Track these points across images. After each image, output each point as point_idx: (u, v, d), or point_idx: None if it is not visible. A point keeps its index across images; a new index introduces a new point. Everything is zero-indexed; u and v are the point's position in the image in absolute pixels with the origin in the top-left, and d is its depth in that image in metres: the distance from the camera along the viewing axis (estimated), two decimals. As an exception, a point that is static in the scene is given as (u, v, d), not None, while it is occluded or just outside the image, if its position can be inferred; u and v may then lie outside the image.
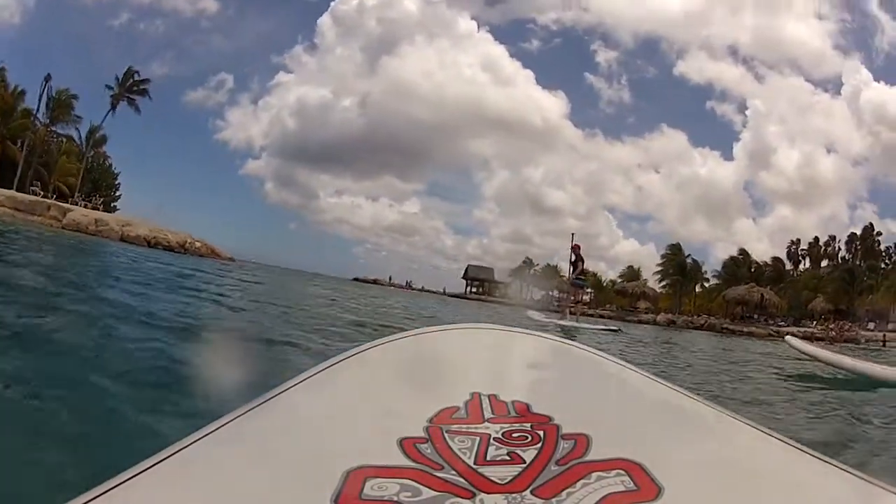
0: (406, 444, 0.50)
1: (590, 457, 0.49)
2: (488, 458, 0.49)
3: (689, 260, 42.93)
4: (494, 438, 0.52)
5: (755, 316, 37.61)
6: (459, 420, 0.57)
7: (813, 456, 0.53)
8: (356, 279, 43.52)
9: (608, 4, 52.49)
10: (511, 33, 61.59)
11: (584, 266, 12.89)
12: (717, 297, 40.34)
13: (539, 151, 57.08)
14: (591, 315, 31.11)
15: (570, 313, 11.74)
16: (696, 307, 41.47)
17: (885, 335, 31.48)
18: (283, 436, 0.58)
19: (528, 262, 48.96)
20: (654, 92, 53.28)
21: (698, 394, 0.69)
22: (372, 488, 0.44)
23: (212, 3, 45.74)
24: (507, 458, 0.49)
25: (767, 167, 50.12)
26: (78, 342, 2.42)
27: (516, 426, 0.55)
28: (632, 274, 45.57)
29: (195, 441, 0.54)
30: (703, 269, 43.24)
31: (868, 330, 34.86)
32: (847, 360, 5.18)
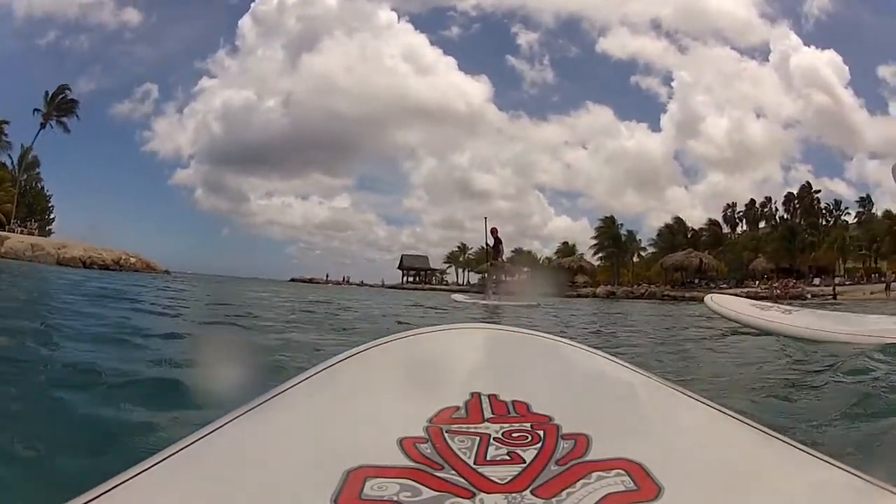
0: (406, 444, 0.50)
1: (590, 457, 0.49)
2: (488, 458, 0.49)
3: (623, 231, 43.30)
4: (494, 438, 0.52)
5: (696, 281, 37.81)
6: (459, 420, 0.57)
7: (813, 456, 0.53)
8: (293, 279, 43.10)
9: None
10: (431, 22, 61.36)
11: (503, 247, 13.35)
12: (655, 266, 40.69)
13: (464, 137, 57.67)
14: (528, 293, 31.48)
15: (493, 293, 11.97)
16: (634, 277, 41.64)
17: (834, 288, 32.13)
18: (283, 436, 0.58)
19: (462, 248, 49.19)
20: (578, 70, 54.39)
21: (698, 394, 0.69)
22: (372, 488, 0.44)
23: (135, 15, 45.40)
24: (507, 457, 0.49)
25: (696, 136, 50.81)
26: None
27: (516, 426, 0.55)
28: (567, 250, 45.94)
29: (195, 441, 0.54)
30: (639, 238, 43.48)
31: (814, 285, 35.45)
32: (775, 323, 3.95)
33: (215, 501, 0.46)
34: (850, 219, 41.05)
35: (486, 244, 12.88)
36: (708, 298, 4.91)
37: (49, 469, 1.13)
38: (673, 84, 46.71)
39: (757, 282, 37.99)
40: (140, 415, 1.56)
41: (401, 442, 0.51)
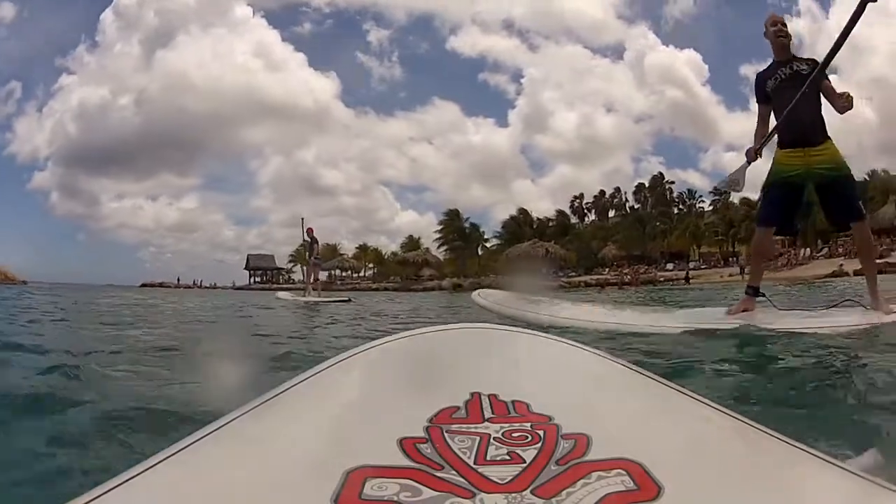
0: (406, 444, 0.50)
1: (590, 456, 0.49)
2: (488, 458, 0.49)
3: (467, 224, 43.96)
4: (494, 438, 0.52)
5: (543, 270, 38.14)
6: (459, 420, 0.57)
7: (813, 455, 0.53)
8: (144, 284, 42.22)
9: (384, -15, 51.92)
10: (285, 18, 61.31)
11: (319, 247, 14.59)
12: (502, 257, 41.21)
13: (311, 133, 58.37)
14: (376, 289, 33.03)
15: (313, 290, 13.11)
16: (481, 268, 41.91)
17: (687, 272, 33.35)
18: (283, 436, 0.58)
19: (307, 245, 49.76)
20: (426, 67, 55.88)
21: (698, 394, 0.69)
22: (372, 488, 0.44)
23: (9, 9, 44.03)
24: (507, 457, 0.49)
25: (544, 130, 52.34)
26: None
27: (516, 426, 0.55)
28: (412, 244, 46.46)
29: (195, 441, 0.54)
30: (483, 231, 44.16)
31: (667, 270, 36.78)
32: (544, 315, 3.62)
33: (215, 502, 0.46)
34: (707, 206, 43.08)
35: (304, 243, 14.00)
36: (475, 294, 4.54)
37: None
38: (523, 80, 47.47)
39: (607, 269, 39.35)
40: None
41: (401, 442, 0.51)
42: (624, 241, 42.30)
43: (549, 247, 39.44)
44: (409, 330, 0.90)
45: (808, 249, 34.26)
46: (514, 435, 0.53)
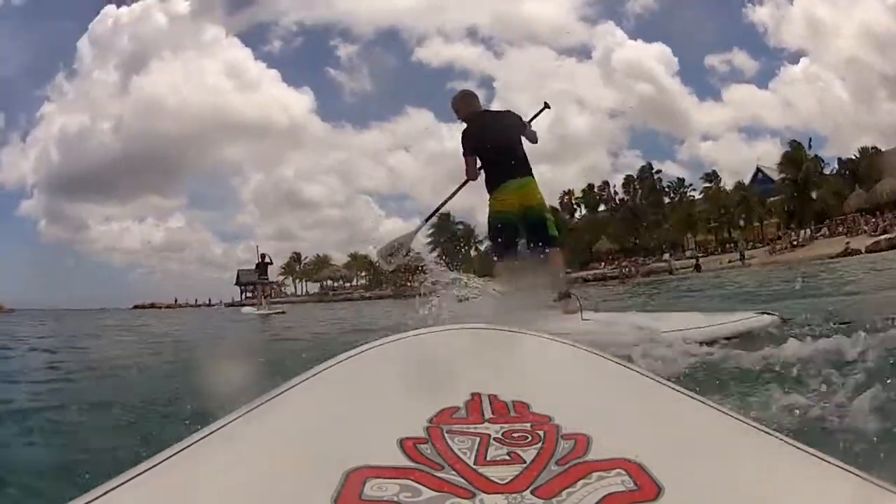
0: (406, 444, 0.50)
1: (590, 457, 0.49)
2: (488, 458, 0.49)
3: (458, 227, 43.49)
4: (494, 438, 0.52)
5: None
6: (459, 420, 0.57)
7: (814, 456, 0.53)
8: (136, 306, 42.18)
9: (346, 2, 53.61)
10: (255, 37, 61.91)
11: (270, 265, 17.98)
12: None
13: (288, 149, 59.37)
14: (369, 298, 34.08)
15: (262, 304, 15.86)
16: (475, 270, 42.00)
17: (697, 260, 32.67)
18: (283, 436, 0.58)
19: (297, 257, 50.09)
20: (396, 78, 56.54)
21: (698, 394, 0.69)
22: (372, 488, 0.44)
23: None
24: (507, 458, 0.49)
25: None
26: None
27: (516, 426, 0.55)
28: None
29: (196, 441, 0.54)
30: (477, 233, 42.79)
31: (664, 261, 36.09)
32: None
33: (216, 502, 0.46)
34: (697, 195, 42.56)
35: (258, 266, 17.15)
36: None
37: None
38: (495, 84, 48.29)
39: (602, 263, 38.99)
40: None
41: (401, 442, 0.51)
42: (617, 234, 41.93)
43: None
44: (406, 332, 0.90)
45: (807, 230, 33.79)
46: (514, 435, 0.53)
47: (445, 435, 0.53)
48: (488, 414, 0.58)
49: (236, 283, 48.67)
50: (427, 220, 4.60)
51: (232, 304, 41.00)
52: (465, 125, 3.94)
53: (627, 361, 0.82)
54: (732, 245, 37.04)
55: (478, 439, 0.52)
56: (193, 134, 53.43)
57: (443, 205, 4.38)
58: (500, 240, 3.86)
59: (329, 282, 49.48)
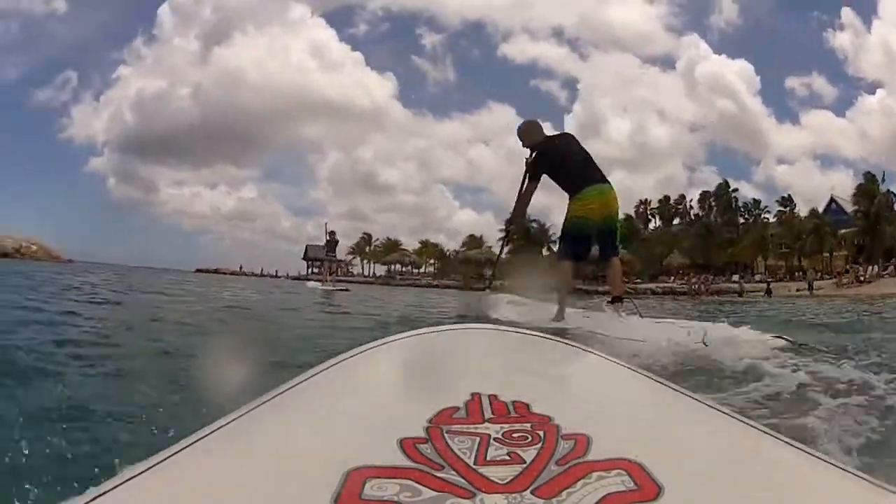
0: (406, 444, 0.50)
1: (590, 457, 0.49)
2: (488, 459, 0.49)
3: (533, 224, 42.95)
4: (494, 438, 0.52)
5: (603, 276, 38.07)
6: (459, 420, 0.57)
7: (814, 456, 0.53)
8: (199, 270, 43.37)
9: (436, -9, 52.29)
10: (340, 19, 62.92)
11: (339, 244, 18.50)
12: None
13: (369, 132, 59.82)
14: (437, 286, 34.17)
15: (328, 280, 16.81)
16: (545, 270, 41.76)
17: (768, 285, 31.65)
18: (283, 436, 0.58)
19: (367, 238, 50.68)
20: (479, 71, 57.00)
21: (698, 394, 0.69)
22: (372, 488, 0.44)
23: (61, 3, 45.58)
24: (508, 458, 0.49)
25: (597, 136, 53.06)
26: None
27: (516, 426, 0.55)
28: (475, 242, 46.14)
29: (195, 441, 0.54)
30: (551, 232, 42.91)
31: (733, 282, 35.39)
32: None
33: (215, 502, 0.46)
34: (771, 217, 42.24)
35: (327, 242, 17.64)
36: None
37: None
38: (579, 86, 48.29)
39: (672, 277, 38.48)
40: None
41: (401, 442, 0.51)
42: (689, 249, 41.01)
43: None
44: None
45: (874, 267, 32.25)
46: (514, 435, 0.53)
47: (445, 435, 0.53)
48: (488, 414, 0.58)
49: (304, 258, 48.99)
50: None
51: (297, 278, 41.15)
52: (532, 152, 4.32)
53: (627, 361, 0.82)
54: (801, 273, 36.20)
55: (478, 439, 0.52)
56: (273, 108, 54.34)
57: (520, 211, 4.70)
58: (573, 241, 4.15)
59: (397, 266, 49.15)
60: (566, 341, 0.91)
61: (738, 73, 46.94)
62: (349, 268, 48.27)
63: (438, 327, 0.94)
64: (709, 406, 0.65)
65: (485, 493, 0.43)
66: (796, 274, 37.31)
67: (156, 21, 52.93)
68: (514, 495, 0.43)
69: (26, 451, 1.20)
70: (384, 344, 0.84)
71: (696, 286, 32.54)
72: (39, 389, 1.89)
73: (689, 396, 0.68)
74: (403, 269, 49.68)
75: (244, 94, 53.27)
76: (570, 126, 52.41)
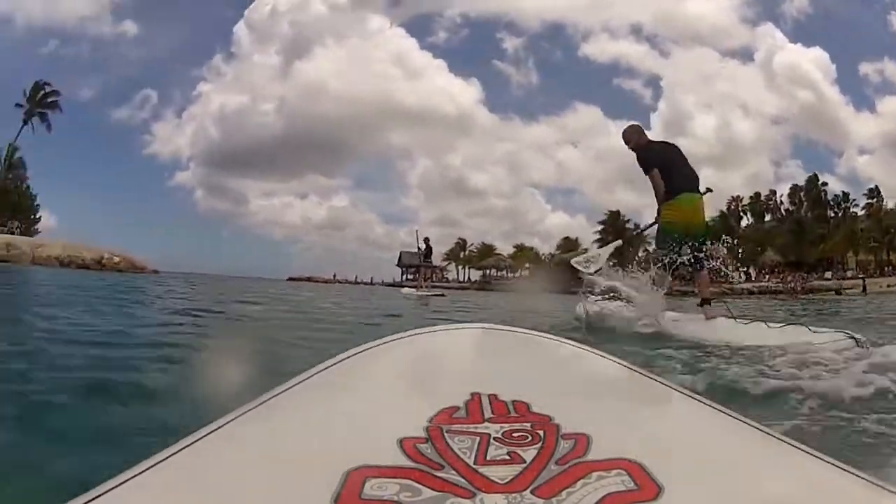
0: (406, 444, 0.50)
1: (590, 456, 0.49)
2: (488, 458, 0.49)
3: (629, 225, 42.85)
4: (494, 438, 0.52)
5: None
6: (459, 420, 0.57)
7: (813, 456, 0.53)
8: (291, 279, 43.79)
9: (511, -3, 52.83)
10: (419, 28, 63.37)
11: (433, 251, 18.86)
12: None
13: (456, 138, 60.02)
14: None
15: (423, 286, 16.81)
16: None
17: (864, 280, 31.27)
18: (283, 436, 0.58)
19: (462, 244, 50.82)
20: (562, 73, 57.45)
21: (699, 393, 0.69)
22: (372, 488, 0.44)
23: (132, 26, 46.68)
24: (507, 457, 0.49)
25: (685, 133, 52.83)
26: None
27: (516, 426, 0.55)
28: (569, 245, 45.88)
29: (195, 441, 0.54)
30: (647, 233, 43.60)
31: (826, 279, 34.76)
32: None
33: (216, 502, 0.46)
34: (860, 211, 40.94)
35: (419, 249, 17.87)
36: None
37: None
38: (662, 83, 48.19)
39: (767, 276, 37.56)
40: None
41: (401, 442, 0.51)
42: (783, 246, 40.24)
43: (715, 251, 38.87)
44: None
45: None
46: (514, 435, 0.53)
47: (445, 435, 0.53)
48: (488, 414, 0.58)
49: (398, 265, 49.10)
50: (641, 231, 5.25)
51: (392, 285, 41.24)
52: (637, 151, 4.53)
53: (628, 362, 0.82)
54: (891, 268, 35.24)
55: (478, 439, 0.52)
56: (358, 118, 55.11)
57: (649, 227, 4.90)
58: (666, 246, 4.38)
59: (493, 271, 49.14)
60: (566, 341, 0.91)
61: (814, 61, 46.37)
62: (444, 273, 48.28)
63: (438, 327, 0.94)
64: (709, 406, 0.65)
65: (485, 492, 0.43)
66: (885, 269, 36.44)
67: (232, 39, 54.13)
68: (514, 495, 0.43)
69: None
70: (384, 344, 0.84)
71: (794, 284, 31.61)
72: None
73: (690, 396, 0.68)
74: (498, 273, 49.55)
75: (328, 106, 54.34)
76: (655, 124, 51.96)
